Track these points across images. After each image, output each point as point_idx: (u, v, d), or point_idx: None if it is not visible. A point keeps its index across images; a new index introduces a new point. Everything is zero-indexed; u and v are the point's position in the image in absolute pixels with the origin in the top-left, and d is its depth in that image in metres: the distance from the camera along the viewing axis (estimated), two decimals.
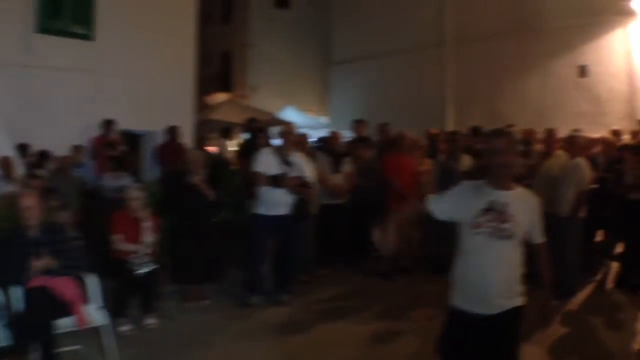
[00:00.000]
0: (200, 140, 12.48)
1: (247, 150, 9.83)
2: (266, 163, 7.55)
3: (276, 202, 7.56)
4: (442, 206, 4.33)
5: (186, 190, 7.77)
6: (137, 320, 6.85)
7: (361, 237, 9.69)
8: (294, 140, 7.99)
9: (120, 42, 12.52)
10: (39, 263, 5.37)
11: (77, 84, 11.81)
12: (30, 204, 5.62)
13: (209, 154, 10.46)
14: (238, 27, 22.03)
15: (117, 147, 11.11)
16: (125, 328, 6.51)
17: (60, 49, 11.86)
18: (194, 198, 7.74)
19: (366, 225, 9.58)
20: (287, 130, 7.96)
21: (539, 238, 4.17)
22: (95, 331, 5.78)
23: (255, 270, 7.82)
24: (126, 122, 12.03)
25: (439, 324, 4.43)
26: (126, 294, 6.70)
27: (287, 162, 7.62)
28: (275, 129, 12.68)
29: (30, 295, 5.27)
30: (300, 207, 7.77)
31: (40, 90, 11.29)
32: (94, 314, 5.72)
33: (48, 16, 11.90)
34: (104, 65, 12.23)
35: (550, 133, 9.55)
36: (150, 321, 6.92)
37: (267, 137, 10.00)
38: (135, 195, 7.08)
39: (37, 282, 5.34)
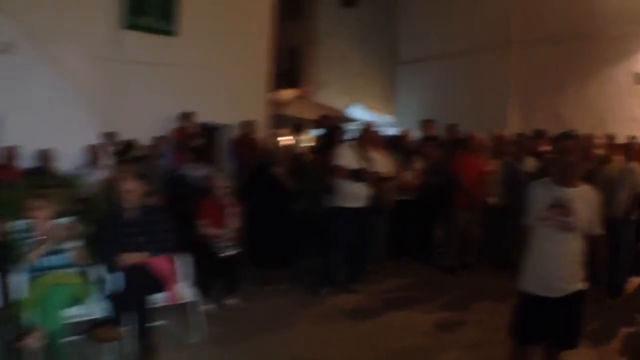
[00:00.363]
0: (275, 134, 12.89)
1: (324, 146, 10.25)
2: (346, 157, 7.93)
3: (355, 195, 7.94)
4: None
5: (268, 180, 8.23)
6: (218, 300, 7.32)
7: (428, 232, 10.04)
8: (373, 137, 8.36)
9: (201, 38, 12.97)
10: (135, 255, 5.86)
11: (159, 78, 12.28)
12: (131, 187, 6.09)
13: (288, 147, 10.84)
14: (306, 24, 22.25)
15: (196, 139, 11.64)
16: (208, 307, 6.90)
17: (145, 44, 12.40)
18: (275, 188, 8.20)
19: (433, 221, 9.93)
20: (367, 127, 8.36)
21: (598, 230, 4.60)
22: (180, 308, 6.23)
23: (331, 259, 8.21)
24: (204, 114, 12.48)
25: (498, 316, 4.85)
26: (210, 275, 7.15)
27: (365, 158, 8.00)
28: (348, 125, 13.11)
29: (129, 271, 5.74)
30: (377, 201, 8.15)
31: (126, 83, 11.78)
32: (185, 291, 6.17)
33: (134, 13, 12.43)
34: (185, 59, 12.70)
35: (610, 139, 9.74)
36: (232, 301, 7.37)
37: (343, 133, 10.35)
38: (221, 184, 7.55)
39: (135, 258, 5.82)
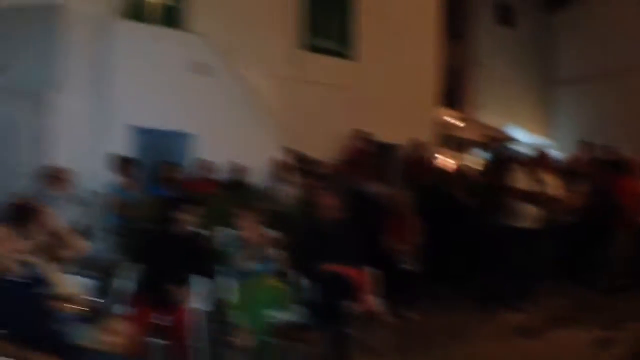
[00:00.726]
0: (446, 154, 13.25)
1: (494, 166, 10.48)
2: (519, 179, 8.17)
3: (526, 216, 8.16)
4: None
5: (443, 199, 8.58)
6: (398, 312, 7.59)
7: (589, 253, 10.04)
8: (546, 160, 8.56)
9: (373, 60, 13.46)
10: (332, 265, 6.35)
11: (336, 98, 12.84)
12: (328, 202, 6.62)
13: (459, 167, 11.14)
14: (464, 44, 22.37)
15: (371, 158, 12.19)
16: (389, 318, 7.27)
17: (322, 65, 13.03)
18: (450, 206, 8.54)
19: (594, 243, 9.93)
20: (541, 150, 8.57)
21: None
22: (366, 316, 6.53)
23: (500, 277, 8.45)
24: (378, 134, 12.93)
25: None
26: (393, 288, 7.55)
27: (537, 179, 8.21)
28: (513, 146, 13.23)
29: (325, 280, 6.24)
30: (546, 221, 8.34)
31: (305, 102, 12.35)
32: (374, 301, 6.60)
33: (313, 35, 13.17)
34: (359, 81, 13.23)
35: None
36: (410, 314, 7.73)
37: (513, 155, 10.52)
38: (403, 201, 7.98)
39: (332, 268, 6.32)
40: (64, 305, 4.35)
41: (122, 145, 9.63)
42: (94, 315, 4.72)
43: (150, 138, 10.20)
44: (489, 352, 6.99)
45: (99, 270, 5.84)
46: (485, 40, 22.11)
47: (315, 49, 13.19)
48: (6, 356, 3.78)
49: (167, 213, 5.97)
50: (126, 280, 5.88)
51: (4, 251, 4.02)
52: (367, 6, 13.53)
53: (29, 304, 4.07)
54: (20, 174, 8.99)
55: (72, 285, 4.34)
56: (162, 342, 5.50)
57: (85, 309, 4.56)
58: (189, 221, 5.92)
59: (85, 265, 5.38)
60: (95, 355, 4.16)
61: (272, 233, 6.57)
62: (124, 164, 8.65)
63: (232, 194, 8.84)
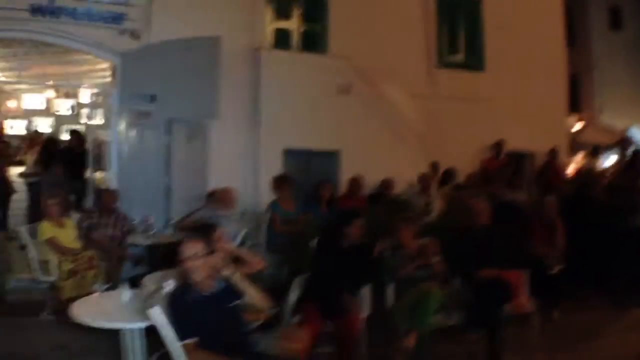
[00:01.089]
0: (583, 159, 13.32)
1: (628, 168, 10.57)
2: None
3: None
4: None
5: (586, 202, 8.76)
6: (544, 312, 7.58)
7: None
8: None
9: (504, 71, 13.58)
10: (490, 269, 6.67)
11: (471, 110, 13.06)
12: (482, 208, 6.99)
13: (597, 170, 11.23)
14: (580, 50, 22.21)
15: (507, 167, 12.43)
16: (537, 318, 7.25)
17: (455, 79, 13.30)
18: (592, 209, 8.71)
19: None
20: None
21: None
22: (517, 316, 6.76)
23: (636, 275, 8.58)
24: (512, 143, 13.22)
25: None
26: (538, 289, 7.71)
27: None
28: None
29: (484, 283, 6.56)
30: None
31: (441, 117, 12.60)
32: (527, 302, 6.85)
33: (447, 52, 13.54)
34: (491, 93, 13.36)
35: None
36: (555, 314, 7.90)
37: None
38: (550, 206, 8.24)
39: (491, 272, 6.64)
40: (251, 315, 4.86)
41: (274, 166, 10.35)
42: (273, 324, 5.23)
43: (300, 158, 10.91)
44: (625, 344, 7.16)
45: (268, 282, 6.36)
46: (598, 45, 21.98)
47: (449, 64, 13.51)
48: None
49: (336, 228, 6.46)
50: (297, 291, 6.43)
51: (201, 265, 4.42)
52: (495, 18, 13.73)
53: (224, 315, 4.46)
54: (180, 198, 9.85)
55: (255, 296, 4.73)
56: (329, 349, 6.02)
57: (266, 318, 5.06)
58: (355, 234, 6.39)
59: (257, 278, 5.88)
60: None
61: (431, 241, 6.93)
62: (281, 183, 9.25)
63: (384, 207, 9.27)
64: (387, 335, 6.44)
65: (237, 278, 4.59)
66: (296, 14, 11.86)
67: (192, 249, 4.40)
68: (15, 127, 16.28)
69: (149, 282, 6.00)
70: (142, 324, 4.88)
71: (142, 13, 9.85)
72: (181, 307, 4.32)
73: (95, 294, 6.08)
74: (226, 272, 4.58)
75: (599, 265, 8.56)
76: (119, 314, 5.13)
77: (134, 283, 5.71)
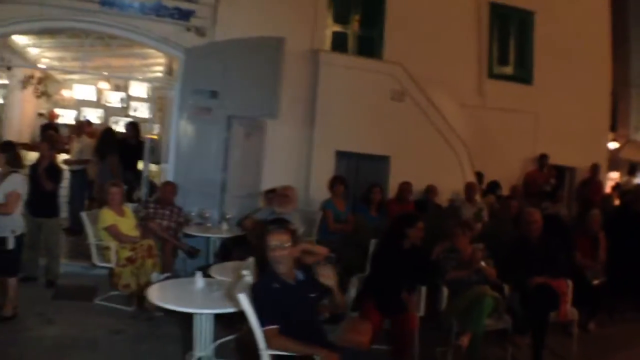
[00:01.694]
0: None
1: None
2: None
3: None
4: None
5: (631, 217, 8.98)
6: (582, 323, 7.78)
7: None
8: None
9: (550, 84, 13.68)
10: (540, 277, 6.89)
11: (517, 122, 13.26)
12: (536, 218, 7.22)
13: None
14: (619, 68, 22.19)
15: (550, 180, 12.63)
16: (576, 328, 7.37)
17: (506, 92, 13.44)
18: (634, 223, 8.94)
19: None
20: None
21: None
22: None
23: None
24: (555, 157, 13.36)
25: None
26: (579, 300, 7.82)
27: None
28: None
29: (534, 290, 6.79)
30: None
31: (490, 127, 12.83)
32: (571, 311, 7.05)
33: (497, 63, 13.64)
34: (537, 105, 13.52)
35: None
36: (592, 326, 8.07)
37: None
38: (592, 219, 8.49)
39: (542, 280, 6.87)
40: (324, 304, 5.10)
41: (327, 167, 10.68)
42: (340, 316, 5.47)
43: (351, 160, 11.17)
44: None
45: None
46: (636, 63, 21.98)
47: (498, 76, 13.65)
48: (285, 349, 4.45)
49: (399, 229, 6.70)
50: (355, 289, 6.71)
51: (287, 255, 4.66)
52: (545, 32, 13.84)
53: (305, 304, 4.71)
54: (234, 193, 10.09)
55: (337, 290, 4.95)
56: (385, 347, 6.25)
57: (336, 310, 5.29)
58: (416, 236, 6.63)
59: None
60: (346, 350, 4.58)
61: (483, 247, 7.16)
62: (337, 183, 9.51)
63: (434, 212, 9.53)
64: (439, 336, 6.72)
65: (321, 268, 4.80)
66: (354, 18, 12.09)
67: (280, 239, 4.62)
68: (65, 117, 16.71)
69: (216, 272, 6.31)
70: (214, 310, 5.16)
71: (210, 11, 10.10)
72: (268, 295, 4.52)
73: (167, 282, 6.41)
74: (315, 263, 4.89)
75: (637, 280, 8.73)
76: (192, 300, 5.40)
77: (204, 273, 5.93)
